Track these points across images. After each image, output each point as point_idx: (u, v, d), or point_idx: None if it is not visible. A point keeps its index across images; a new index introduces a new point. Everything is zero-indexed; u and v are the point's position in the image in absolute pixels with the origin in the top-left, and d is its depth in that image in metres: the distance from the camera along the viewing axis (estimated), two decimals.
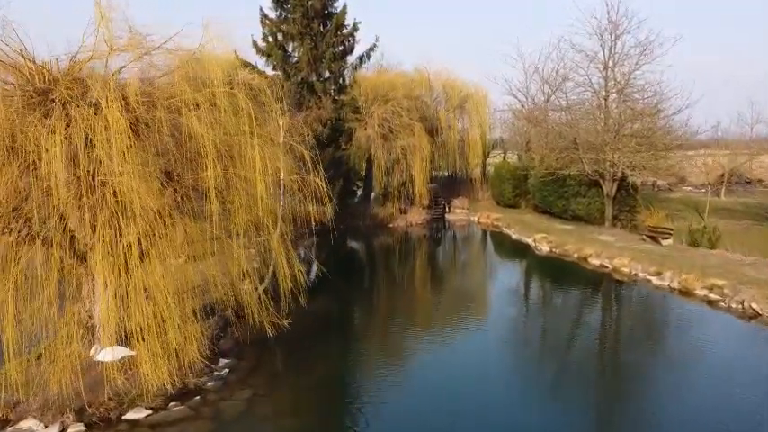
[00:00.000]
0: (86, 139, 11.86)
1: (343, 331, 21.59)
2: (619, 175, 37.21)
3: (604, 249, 31.69)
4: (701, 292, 24.01)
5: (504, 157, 67.25)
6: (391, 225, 45.53)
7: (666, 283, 25.77)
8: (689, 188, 67.50)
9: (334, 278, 32.02)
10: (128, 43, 12.56)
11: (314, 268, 35.28)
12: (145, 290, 14.40)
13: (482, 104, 59.14)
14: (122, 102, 12.26)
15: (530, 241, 37.43)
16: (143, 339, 13.80)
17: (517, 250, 37.10)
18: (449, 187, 60.88)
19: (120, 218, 12.91)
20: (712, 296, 23.46)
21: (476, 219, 49.59)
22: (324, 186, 18.48)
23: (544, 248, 35.14)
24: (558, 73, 48.84)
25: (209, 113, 13.60)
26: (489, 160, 66.66)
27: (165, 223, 14.59)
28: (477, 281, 31.73)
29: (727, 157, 57.39)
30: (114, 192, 12.43)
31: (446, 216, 51.42)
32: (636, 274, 27.84)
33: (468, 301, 26.29)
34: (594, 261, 30.81)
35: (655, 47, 37.20)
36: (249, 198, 15.27)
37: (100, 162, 12.32)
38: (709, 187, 51.57)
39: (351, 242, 43.00)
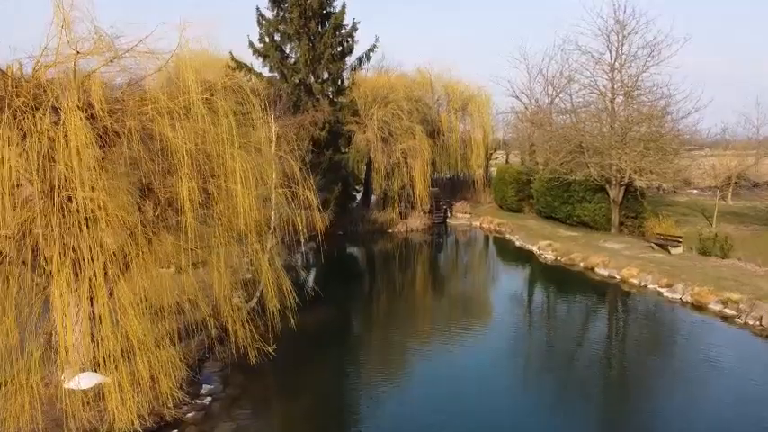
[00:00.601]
0: (47, 151, 10.69)
1: (338, 349, 20.41)
2: (626, 180, 35.96)
3: (612, 258, 30.47)
4: (714, 307, 22.81)
5: (506, 160, 66.02)
6: (391, 230, 44.34)
7: (678, 296, 24.56)
8: (694, 191, 66.16)
9: (331, 288, 30.90)
10: (94, 47, 11.39)
11: (311, 278, 34.32)
12: (117, 312, 13.32)
13: (484, 106, 57.96)
14: (87, 110, 11.10)
15: (534, 249, 36.20)
16: (114, 368, 12.69)
17: (521, 258, 35.86)
18: (450, 190, 59.77)
19: (89, 235, 11.78)
20: (727, 311, 22.27)
21: (478, 224, 48.36)
22: (315, 200, 17.08)
23: (549, 256, 33.93)
24: (562, 74, 47.68)
25: (186, 122, 12.42)
26: (492, 162, 65.59)
27: (147, 239, 13.53)
28: (479, 292, 30.49)
29: (735, 160, 56.08)
30: (82, 208, 11.26)
31: (448, 221, 50.21)
32: (645, 286, 26.64)
33: (470, 314, 25.14)
34: (602, 271, 29.60)
35: (663, 48, 36.07)
36: (232, 211, 14.07)
37: (64, 176, 11.16)
38: (717, 191, 50.34)
39: (349, 248, 41.88)
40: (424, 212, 45.97)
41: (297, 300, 17.18)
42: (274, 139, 21.73)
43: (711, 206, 44.01)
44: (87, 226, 11.25)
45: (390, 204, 44.54)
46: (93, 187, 11.07)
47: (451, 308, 26.68)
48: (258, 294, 18.77)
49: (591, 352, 20.40)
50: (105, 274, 12.91)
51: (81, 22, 11.15)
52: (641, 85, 36.83)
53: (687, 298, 24.15)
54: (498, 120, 63.80)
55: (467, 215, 50.30)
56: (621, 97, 38.20)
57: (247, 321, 16.32)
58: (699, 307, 23.35)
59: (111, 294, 13.43)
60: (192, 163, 12.39)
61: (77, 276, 12.55)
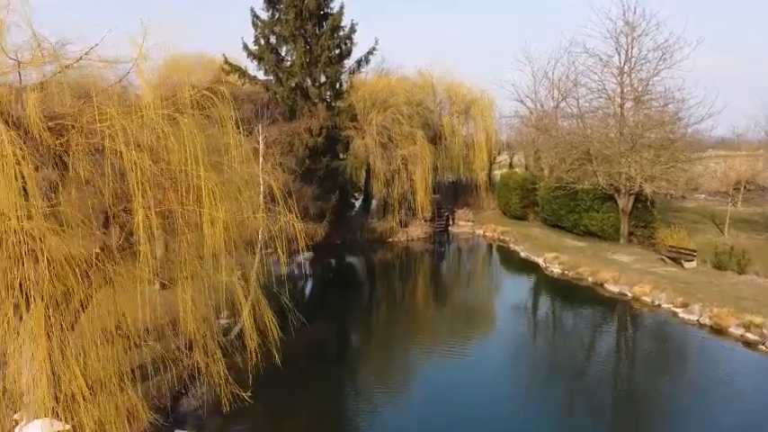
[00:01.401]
0: None
1: (330, 379, 18.83)
2: (636, 188, 34.32)
3: (622, 273, 28.85)
4: (735, 331, 21.21)
5: (510, 165, 64.35)
6: (391, 239, 42.74)
7: (695, 318, 22.93)
8: (702, 195, 64.38)
9: (327, 301, 29.45)
10: (32, 57, 9.82)
11: (307, 287, 32.86)
12: (79, 347, 11.80)
13: (488, 109, 56.34)
14: (20, 126, 9.54)
15: (540, 261, 34.58)
16: (70, 416, 11.18)
17: (526, 271, 34.25)
18: (453, 195, 58.15)
19: (32, 268, 10.24)
20: (750, 336, 20.69)
21: (481, 232, 46.73)
22: (300, 227, 15.43)
23: (555, 270, 32.31)
24: (568, 77, 46.04)
25: (146, 139, 10.85)
26: (495, 165, 63.98)
27: (103, 276, 11.99)
28: (482, 310, 28.74)
29: (745, 164, 54.29)
30: (16, 240, 9.71)
31: (449, 228, 48.58)
32: (659, 305, 25.02)
33: (473, 335, 23.57)
34: (612, 287, 27.97)
35: (674, 51, 34.45)
36: (200, 238, 12.49)
37: None
38: (728, 197, 48.67)
39: (347, 258, 40.34)
40: (425, 220, 44.35)
41: (284, 327, 15.62)
42: (262, 151, 20.11)
43: (721, 212, 42.38)
44: (22, 262, 9.67)
45: (390, 212, 42.93)
46: (28, 216, 9.52)
47: (453, 326, 25.02)
48: (238, 328, 17.18)
49: (603, 379, 18.84)
50: (66, 304, 11.42)
51: (17, 27, 9.58)
52: (652, 89, 35.20)
53: (705, 320, 22.52)
54: (502, 123, 62.32)
55: (469, 223, 48.65)
56: (631, 102, 36.58)
57: (228, 352, 14.80)
58: (718, 330, 21.75)
59: (73, 327, 11.96)
60: (151, 187, 10.82)
61: (27, 312, 11.03)
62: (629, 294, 26.79)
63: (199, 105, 12.05)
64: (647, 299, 25.80)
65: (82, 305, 11.55)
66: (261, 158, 19.72)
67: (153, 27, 12.23)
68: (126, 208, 11.91)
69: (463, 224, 48.71)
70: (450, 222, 49.28)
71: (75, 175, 10.92)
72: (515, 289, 32.78)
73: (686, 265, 29.81)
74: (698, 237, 36.49)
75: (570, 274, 31.10)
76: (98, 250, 11.49)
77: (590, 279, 29.67)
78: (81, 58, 10.29)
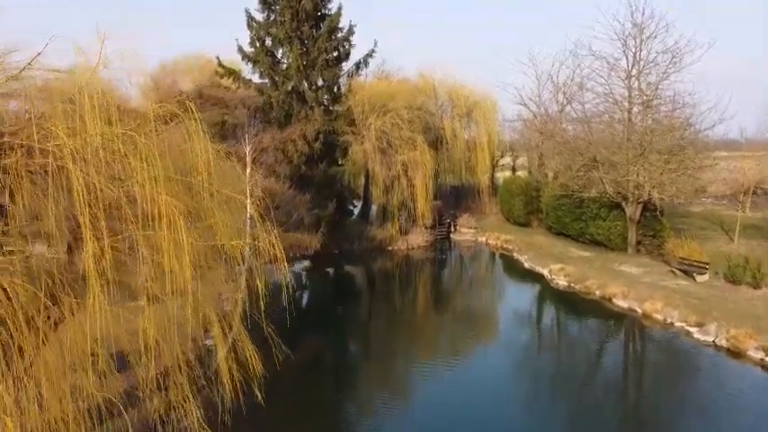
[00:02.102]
0: None
1: (321, 408, 17.53)
2: (644, 196, 32.97)
3: (631, 287, 27.49)
4: (755, 355, 19.83)
5: (513, 170, 62.98)
6: (391, 248, 41.44)
7: (711, 339, 21.56)
8: (709, 199, 62.89)
9: (321, 316, 28.13)
10: None
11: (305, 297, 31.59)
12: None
13: (490, 112, 55.02)
14: None
15: (544, 272, 33.23)
16: None
17: (530, 283, 32.93)
18: (454, 200, 56.87)
19: None
20: None
21: (484, 239, 45.41)
22: (280, 251, 14.08)
23: (561, 282, 30.97)
24: (573, 80, 44.69)
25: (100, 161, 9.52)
26: (499, 167, 62.72)
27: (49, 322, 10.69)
28: (485, 327, 27.26)
29: (754, 167, 52.76)
30: None
31: (451, 236, 47.24)
32: (671, 323, 23.65)
33: (474, 355, 22.24)
34: (621, 303, 26.63)
35: (685, 54, 33.05)
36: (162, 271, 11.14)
37: None
38: (733, 200, 47.33)
39: (345, 268, 39.07)
40: (426, 228, 43.02)
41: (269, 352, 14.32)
42: (250, 162, 18.81)
43: (729, 217, 41.09)
44: None
45: (390, 220, 41.62)
46: None
47: (455, 344, 23.70)
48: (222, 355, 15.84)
49: (611, 404, 17.54)
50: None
51: None
52: (661, 93, 33.82)
53: (722, 342, 21.15)
54: (505, 126, 61.02)
55: (471, 230, 47.28)
56: (639, 107, 35.19)
57: (204, 388, 13.50)
58: (736, 353, 20.37)
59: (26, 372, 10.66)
60: (106, 214, 9.49)
61: None
62: (639, 311, 25.44)
63: (163, 120, 10.70)
64: (659, 316, 24.43)
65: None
66: (248, 170, 18.38)
67: (116, 32, 11.00)
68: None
69: (465, 231, 47.35)
70: (452, 229, 47.95)
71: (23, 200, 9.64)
72: (519, 303, 31.29)
73: (698, 278, 28.44)
74: (707, 245, 35.12)
75: (577, 287, 29.76)
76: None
77: (597, 293, 28.32)
78: (24, 68, 8.97)
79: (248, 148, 18.63)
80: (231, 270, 15.48)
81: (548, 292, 30.58)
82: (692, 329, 22.57)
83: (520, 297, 32.53)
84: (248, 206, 18.25)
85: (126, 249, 10.41)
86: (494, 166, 58.64)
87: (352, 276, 38.03)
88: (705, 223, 43.67)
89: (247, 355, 13.36)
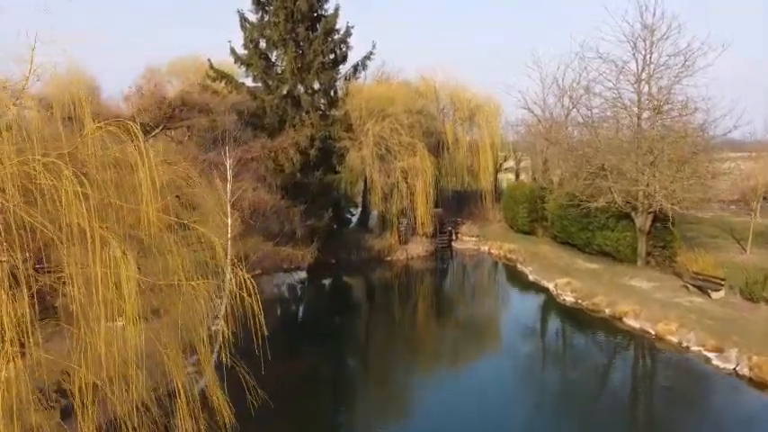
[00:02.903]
0: None
1: None
2: (657, 206, 31.33)
3: (643, 305, 25.88)
4: None
5: (516, 175, 61.36)
6: (390, 258, 39.84)
7: (731, 366, 19.95)
8: (716, 204, 60.97)
9: (314, 332, 26.58)
10: None
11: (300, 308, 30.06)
12: None
13: (493, 116, 53.49)
14: None
15: (550, 286, 31.64)
16: None
17: (535, 298, 31.35)
18: (457, 205, 55.35)
19: None
20: None
21: (486, 249, 43.79)
22: (254, 294, 12.44)
23: (568, 298, 29.38)
24: (579, 84, 43.02)
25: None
26: (502, 169, 61.12)
27: None
28: (486, 347, 25.70)
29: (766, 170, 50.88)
30: None
31: (453, 244, 45.61)
32: (687, 347, 22.03)
33: (474, 380, 20.61)
34: (632, 322, 25.02)
35: (698, 56, 31.39)
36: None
37: None
38: (742, 205, 45.60)
39: (342, 280, 37.56)
40: (427, 237, 41.42)
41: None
42: (231, 179, 17.22)
43: (739, 224, 39.47)
44: None
45: (389, 229, 40.04)
46: None
47: (454, 365, 22.22)
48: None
49: None
50: None
51: None
52: (673, 98, 32.16)
53: (743, 370, 19.54)
54: (508, 129, 59.45)
55: (474, 238, 45.64)
56: (649, 112, 33.53)
57: None
58: (760, 383, 18.79)
59: None
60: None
61: None
62: (653, 332, 23.81)
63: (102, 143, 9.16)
64: (674, 339, 22.81)
65: None
66: (229, 186, 16.82)
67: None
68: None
69: (467, 239, 45.73)
70: (454, 238, 46.31)
71: None
72: (524, 321, 29.24)
73: (713, 294, 26.83)
74: (719, 255, 33.56)
75: (585, 303, 28.16)
76: None
77: (607, 311, 26.72)
78: None
79: (229, 161, 17.03)
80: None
81: (554, 309, 29.01)
82: (711, 355, 20.97)
83: (524, 314, 30.58)
84: (229, 224, 16.74)
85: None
86: (497, 171, 57.03)
87: (348, 288, 36.48)
88: (715, 231, 41.99)
89: (217, 402, 11.78)
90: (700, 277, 28.25)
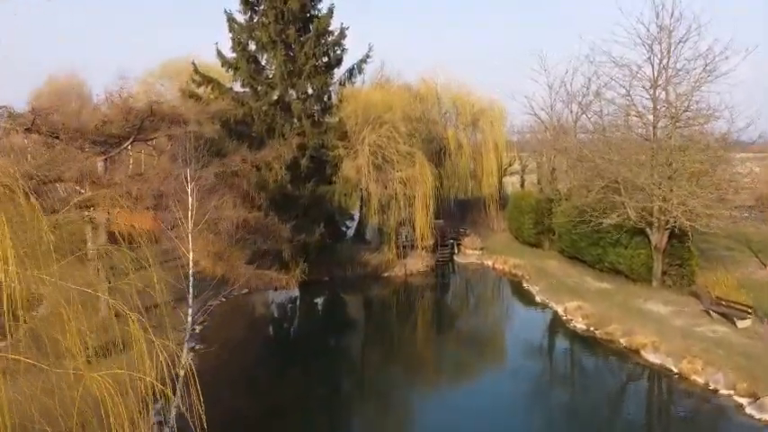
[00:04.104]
0: None
1: None
2: (677, 223, 28.85)
3: (662, 336, 23.39)
4: None
5: (522, 183, 58.87)
6: (387, 273, 37.42)
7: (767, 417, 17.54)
8: (727, 211, 58.22)
9: (302, 355, 24.19)
10: None
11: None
12: None
13: (498, 120, 51.19)
14: None
15: (559, 309, 29.22)
16: None
17: (543, 322, 28.91)
18: (459, 214, 53.21)
19: None
20: None
21: (491, 263, 41.29)
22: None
23: (579, 324, 26.93)
24: (589, 89, 40.50)
25: None
26: (507, 179, 58.70)
27: None
28: (488, 380, 23.24)
29: None
30: None
31: (455, 258, 43.17)
32: (716, 390, 19.54)
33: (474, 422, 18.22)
34: (651, 357, 22.51)
35: (719, 61, 28.91)
36: None
37: None
38: (758, 212, 43.33)
39: (334, 299, 35.21)
40: (427, 250, 38.96)
41: None
42: (192, 215, 14.76)
43: (755, 234, 37.21)
44: None
45: (386, 243, 37.62)
46: None
47: (453, 403, 19.73)
48: None
49: None
50: None
51: None
52: (693, 106, 29.69)
53: None
54: (513, 134, 57.06)
55: (477, 252, 43.12)
56: (666, 120, 31.03)
57: None
58: None
59: None
60: None
61: None
62: (675, 370, 21.30)
63: None
64: (699, 379, 20.32)
65: None
66: (190, 216, 14.43)
67: None
68: None
69: (470, 253, 43.24)
70: (456, 251, 43.87)
71: None
72: (530, 352, 26.13)
73: (739, 323, 24.36)
74: (736, 270, 31.36)
75: (598, 332, 25.70)
76: None
77: (623, 342, 24.24)
78: None
79: (191, 186, 14.61)
80: None
81: (563, 338, 26.55)
82: (743, 401, 18.51)
83: (531, 344, 27.27)
84: (190, 259, 14.41)
85: None
86: (501, 177, 54.57)
87: (341, 309, 34.03)
88: (731, 242, 39.41)
89: None
90: (723, 303, 25.80)
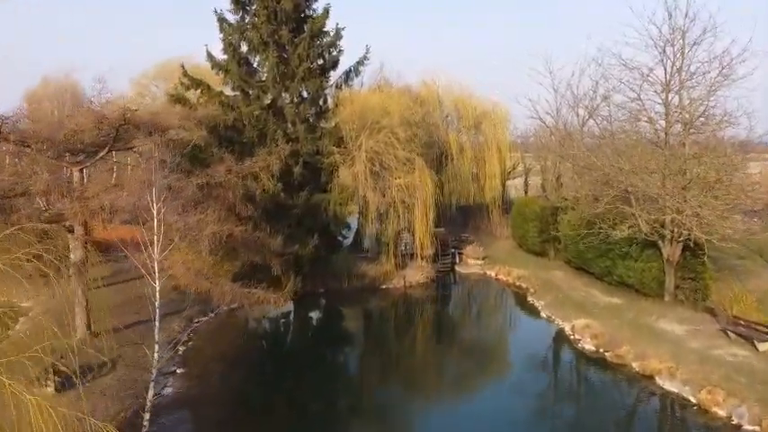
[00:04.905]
0: None
1: None
2: (692, 235, 27.14)
3: (678, 361, 21.72)
4: None
5: (525, 191, 57.14)
6: (385, 285, 35.74)
7: None
8: (736, 217, 56.32)
9: (288, 376, 22.49)
10: None
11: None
12: None
13: (501, 124, 49.41)
14: None
15: (566, 327, 27.59)
16: None
17: (548, 342, 27.18)
18: (462, 219, 51.51)
19: None
20: None
21: (493, 273, 39.57)
22: None
23: (587, 345, 25.26)
24: (596, 92, 38.77)
25: None
26: (510, 182, 56.94)
27: None
28: (489, 408, 21.49)
29: None
30: None
31: (456, 267, 41.45)
32: (740, 426, 17.88)
33: None
34: (667, 385, 20.84)
35: (736, 64, 27.22)
36: None
37: None
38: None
39: (328, 313, 33.55)
40: (427, 260, 37.19)
41: None
42: (158, 241, 13.15)
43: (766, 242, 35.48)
44: None
45: (384, 253, 35.92)
46: None
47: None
48: None
49: None
50: None
51: None
52: (709, 112, 27.97)
53: None
54: (516, 137, 55.35)
55: (479, 261, 41.36)
56: (679, 126, 29.32)
57: None
58: None
59: None
60: None
61: None
62: (693, 400, 19.65)
63: None
64: (721, 412, 18.65)
65: None
66: (156, 241, 12.81)
67: None
68: None
69: (472, 263, 41.47)
70: (457, 260, 42.16)
71: None
72: (535, 375, 24.10)
73: (760, 346, 22.62)
74: (749, 282, 29.71)
75: (608, 354, 24.02)
76: None
77: (635, 366, 22.57)
78: None
79: (156, 206, 12.95)
80: None
81: (571, 359, 24.90)
82: None
83: (535, 365, 25.23)
84: (157, 290, 12.80)
85: None
86: (505, 180, 52.81)
87: (336, 324, 32.31)
88: (743, 251, 37.57)
89: None
90: (742, 323, 24.12)
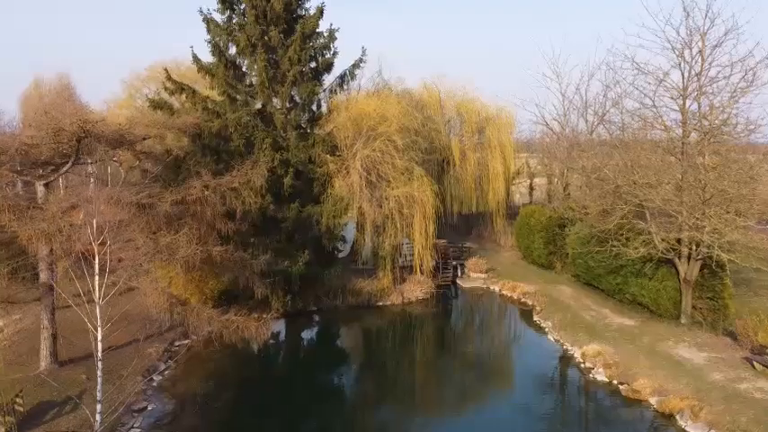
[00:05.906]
0: None
1: None
2: (713, 254, 25.05)
3: (701, 397, 19.65)
4: None
5: (530, 196, 55.15)
6: (382, 303, 33.62)
7: None
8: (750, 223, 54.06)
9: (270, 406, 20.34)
10: None
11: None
12: None
13: (506, 129, 47.42)
14: None
15: (576, 354, 25.48)
16: None
17: (557, 371, 24.99)
18: (464, 227, 49.82)
19: None
20: None
21: (497, 288, 37.42)
22: None
23: (599, 376, 23.12)
24: (606, 96, 36.84)
25: None
26: (514, 188, 55.05)
27: None
28: None
29: None
30: None
31: (458, 281, 39.30)
32: None
33: None
34: (689, 426, 18.63)
35: (758, 68, 25.11)
36: None
37: None
38: None
39: (320, 334, 31.47)
40: (427, 276, 35.02)
41: None
42: (99, 275, 11.13)
43: None
44: None
45: (381, 268, 33.83)
46: None
47: None
48: None
49: None
50: None
51: None
52: (732, 120, 25.86)
53: None
54: (521, 140, 53.38)
55: (482, 275, 39.22)
56: (696, 134, 27.20)
57: None
58: None
59: None
60: None
61: None
62: None
63: None
64: None
65: None
66: (96, 278, 10.78)
67: None
68: None
69: (475, 276, 39.33)
70: (459, 273, 40.04)
71: None
72: (542, 412, 21.29)
73: None
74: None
75: (622, 387, 21.86)
76: None
77: (653, 401, 20.45)
78: None
79: (97, 244, 10.93)
80: None
81: (582, 393, 22.66)
82: None
83: (544, 402, 22.21)
84: (99, 339, 10.79)
85: None
86: (509, 187, 50.83)
87: (328, 346, 30.11)
88: (757, 263, 35.26)
89: None
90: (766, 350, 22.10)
